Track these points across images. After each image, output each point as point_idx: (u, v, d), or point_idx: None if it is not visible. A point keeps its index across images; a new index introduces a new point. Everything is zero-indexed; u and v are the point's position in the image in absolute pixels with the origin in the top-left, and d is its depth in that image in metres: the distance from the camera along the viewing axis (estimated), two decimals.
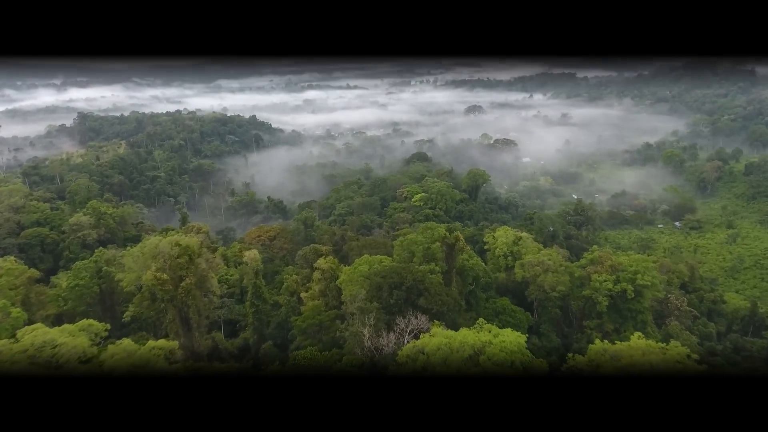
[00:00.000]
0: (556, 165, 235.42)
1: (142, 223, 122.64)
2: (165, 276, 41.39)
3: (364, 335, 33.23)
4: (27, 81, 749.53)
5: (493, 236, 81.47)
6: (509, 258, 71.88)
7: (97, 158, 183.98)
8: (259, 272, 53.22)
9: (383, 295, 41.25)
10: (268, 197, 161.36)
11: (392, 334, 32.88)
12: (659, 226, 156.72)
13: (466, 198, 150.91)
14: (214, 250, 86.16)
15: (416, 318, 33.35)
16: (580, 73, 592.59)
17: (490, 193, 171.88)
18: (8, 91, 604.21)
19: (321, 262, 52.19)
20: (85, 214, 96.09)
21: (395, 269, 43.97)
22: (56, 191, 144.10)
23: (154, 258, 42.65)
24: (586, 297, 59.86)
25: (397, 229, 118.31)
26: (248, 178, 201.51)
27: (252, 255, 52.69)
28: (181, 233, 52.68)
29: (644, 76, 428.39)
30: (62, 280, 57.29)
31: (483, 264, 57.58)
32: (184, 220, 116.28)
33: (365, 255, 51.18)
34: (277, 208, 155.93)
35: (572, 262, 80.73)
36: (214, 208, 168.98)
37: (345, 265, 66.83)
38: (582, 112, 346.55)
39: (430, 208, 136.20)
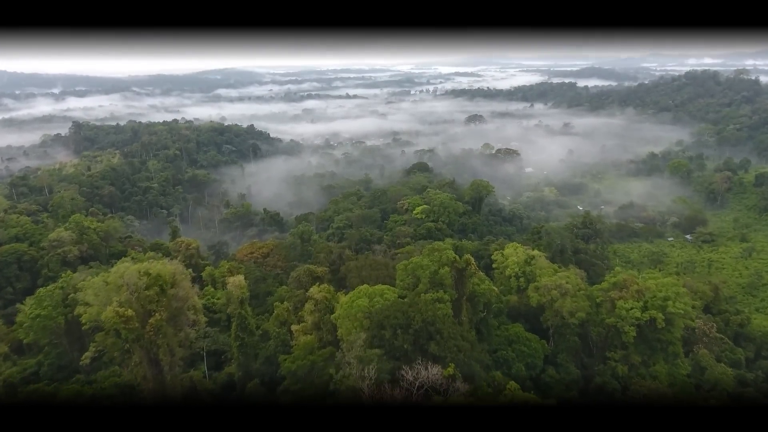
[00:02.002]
0: (560, 175, 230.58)
1: (130, 237, 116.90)
2: (129, 312, 35.51)
3: (363, 392, 27.51)
4: (25, 90, 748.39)
5: (502, 254, 75.78)
6: (521, 279, 66.11)
7: (88, 168, 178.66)
8: (245, 301, 47.32)
9: (386, 336, 35.30)
10: (264, 209, 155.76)
11: (398, 389, 27.21)
12: (669, 239, 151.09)
13: (469, 210, 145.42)
14: (202, 270, 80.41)
15: (426, 369, 27.69)
16: (581, 83, 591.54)
17: (493, 205, 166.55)
18: (6, 100, 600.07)
19: (314, 291, 46.34)
20: (66, 229, 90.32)
21: (400, 307, 38.02)
22: (43, 203, 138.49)
23: (119, 290, 36.95)
24: (609, 325, 53.99)
25: (398, 245, 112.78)
26: (244, 189, 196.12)
27: (237, 281, 46.88)
28: (153, 259, 46.59)
29: (645, 86, 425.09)
30: (27, 306, 51.48)
31: (495, 288, 52.00)
32: (174, 234, 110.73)
33: (365, 285, 45.18)
34: (273, 220, 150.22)
35: (584, 281, 75.16)
36: (208, 221, 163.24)
37: (342, 289, 61.03)
38: (584, 121, 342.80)
39: (432, 221, 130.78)
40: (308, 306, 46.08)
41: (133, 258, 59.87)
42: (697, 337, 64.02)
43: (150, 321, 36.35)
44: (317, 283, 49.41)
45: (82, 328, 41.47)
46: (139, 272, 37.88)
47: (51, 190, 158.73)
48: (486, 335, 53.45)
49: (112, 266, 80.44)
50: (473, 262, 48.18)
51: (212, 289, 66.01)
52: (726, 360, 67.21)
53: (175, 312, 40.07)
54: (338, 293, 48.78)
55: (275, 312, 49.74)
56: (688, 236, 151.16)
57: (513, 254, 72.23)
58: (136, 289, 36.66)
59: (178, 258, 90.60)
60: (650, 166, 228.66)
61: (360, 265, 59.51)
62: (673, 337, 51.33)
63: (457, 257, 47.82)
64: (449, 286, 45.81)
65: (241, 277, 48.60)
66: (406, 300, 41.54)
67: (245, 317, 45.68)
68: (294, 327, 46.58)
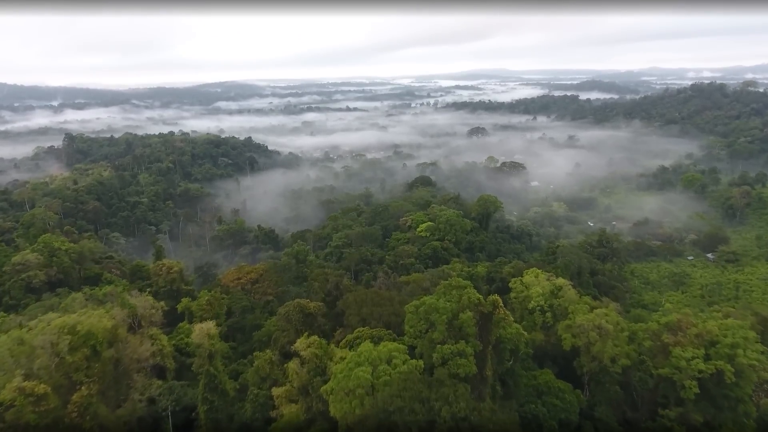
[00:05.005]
0: (568, 189, 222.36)
1: (111, 257, 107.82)
2: (42, 387, 26.21)
3: None
4: (25, 102, 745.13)
5: (521, 282, 66.69)
6: (548, 314, 56.88)
7: (75, 182, 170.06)
8: (215, 355, 37.92)
9: (398, 426, 26.26)
10: (258, 226, 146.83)
11: None
12: (689, 258, 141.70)
13: (476, 227, 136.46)
14: (185, 294, 70.93)
15: None
16: (582, 96, 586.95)
17: (500, 221, 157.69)
18: (3, 113, 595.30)
19: (301, 346, 36.96)
20: (34, 251, 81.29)
21: (417, 390, 28.43)
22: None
23: (31, 355, 27.75)
24: (662, 377, 44.63)
25: (402, 266, 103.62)
26: (239, 204, 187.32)
27: (205, 330, 37.46)
28: (86, 311, 37.10)
29: (651, 98, 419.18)
30: None
31: (525, 333, 42.96)
32: (158, 255, 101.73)
33: (366, 342, 35.86)
34: (268, 237, 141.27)
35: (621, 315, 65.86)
36: (199, 238, 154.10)
37: (339, 328, 51.80)
38: (589, 134, 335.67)
39: (438, 240, 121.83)
40: (293, 366, 36.83)
41: (87, 294, 50.40)
42: (757, 383, 54.41)
43: (73, 398, 27.14)
44: (306, 333, 40.08)
45: None
46: (61, 330, 28.62)
47: (33, 205, 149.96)
48: (512, 388, 44.14)
49: (91, 290, 71.70)
50: (501, 303, 39.12)
51: (187, 326, 56.72)
52: None
53: (115, 378, 30.89)
54: (331, 344, 39.53)
55: (255, 364, 40.49)
56: (709, 255, 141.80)
57: (535, 283, 63.13)
58: (56, 353, 27.46)
59: (159, 282, 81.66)
60: (661, 180, 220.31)
61: (360, 300, 50.42)
62: (743, 393, 42.02)
63: (482, 298, 38.70)
64: (472, 336, 36.65)
65: (210, 325, 39.38)
66: (421, 374, 31.87)
67: (215, 376, 36.46)
68: (275, 391, 37.13)
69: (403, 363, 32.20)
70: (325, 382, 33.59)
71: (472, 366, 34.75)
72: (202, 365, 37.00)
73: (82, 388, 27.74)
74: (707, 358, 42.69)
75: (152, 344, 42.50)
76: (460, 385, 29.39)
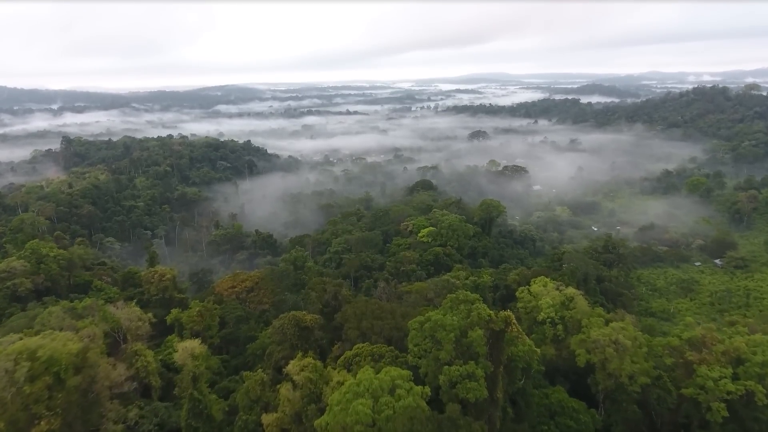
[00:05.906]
0: (570, 194, 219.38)
1: (103, 263, 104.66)
2: None
3: None
4: (24, 106, 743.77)
5: (529, 291, 63.53)
6: (559, 326, 53.67)
7: (70, 186, 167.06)
8: (200, 377, 34.64)
9: None
10: (256, 230, 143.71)
11: None
12: (697, 263, 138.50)
13: (478, 232, 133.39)
14: (178, 303, 67.67)
15: None
16: (582, 99, 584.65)
17: (503, 226, 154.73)
18: (2, 116, 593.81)
19: (294, 369, 33.69)
20: (20, 258, 78.20)
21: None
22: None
23: None
24: (685, 396, 41.39)
25: (403, 273, 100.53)
26: (237, 208, 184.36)
27: (189, 348, 34.17)
28: (50, 333, 33.63)
29: (653, 101, 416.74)
30: None
31: (537, 351, 39.77)
32: (152, 261, 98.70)
33: (366, 368, 32.55)
34: (266, 243, 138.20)
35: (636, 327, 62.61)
36: (196, 243, 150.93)
37: (337, 342, 48.59)
38: (591, 137, 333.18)
39: (440, 245, 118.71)
40: (285, 391, 33.57)
41: (66, 308, 46.97)
42: None
43: None
44: (299, 353, 36.86)
45: None
46: (19, 355, 25.38)
47: (27, 209, 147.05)
48: (524, 409, 40.90)
49: (71, 302, 68.53)
50: (514, 320, 35.94)
51: (177, 339, 53.47)
52: None
53: (84, 408, 27.65)
54: (327, 364, 36.30)
55: (245, 385, 37.27)
56: (717, 261, 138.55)
57: (544, 293, 59.95)
58: (12, 382, 24.19)
59: (150, 290, 78.55)
60: (666, 184, 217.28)
61: (359, 312, 47.19)
62: None
63: (493, 314, 35.53)
64: (482, 355, 33.43)
65: (195, 343, 36.20)
66: (428, 408, 28.73)
67: (199, 400, 33.24)
68: (266, 418, 33.80)
69: (408, 392, 29.01)
70: (321, 409, 30.33)
71: (482, 390, 31.58)
72: (185, 389, 33.74)
73: (42, 422, 24.41)
74: (735, 377, 39.52)
75: (135, 361, 39.35)
76: (476, 424, 26.18)
